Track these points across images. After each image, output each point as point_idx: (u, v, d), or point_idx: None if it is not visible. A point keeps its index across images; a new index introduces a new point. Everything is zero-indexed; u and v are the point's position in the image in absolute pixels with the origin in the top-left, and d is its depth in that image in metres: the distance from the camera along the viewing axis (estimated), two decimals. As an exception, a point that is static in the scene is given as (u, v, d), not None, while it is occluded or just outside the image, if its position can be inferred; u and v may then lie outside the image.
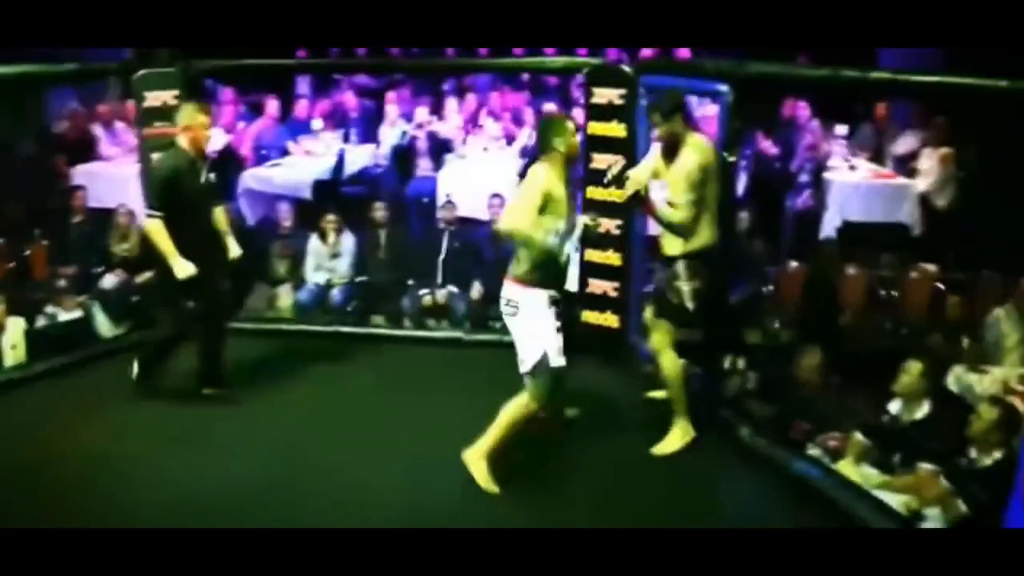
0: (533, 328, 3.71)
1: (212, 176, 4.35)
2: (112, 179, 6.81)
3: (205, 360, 4.55)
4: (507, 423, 3.77)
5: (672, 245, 4.03)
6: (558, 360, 3.70)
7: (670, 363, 4.13)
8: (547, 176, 3.66)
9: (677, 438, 4.16)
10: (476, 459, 3.85)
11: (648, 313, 4.34)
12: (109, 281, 6.07)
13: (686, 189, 3.86)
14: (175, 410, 4.53)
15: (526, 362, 3.71)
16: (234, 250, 4.52)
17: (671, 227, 3.98)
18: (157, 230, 4.09)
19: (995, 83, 2.81)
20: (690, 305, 4.00)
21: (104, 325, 5.71)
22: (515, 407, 3.75)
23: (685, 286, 3.98)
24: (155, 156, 4.42)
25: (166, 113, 5.24)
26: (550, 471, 3.97)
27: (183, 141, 4.19)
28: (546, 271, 3.70)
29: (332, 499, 3.78)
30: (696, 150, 3.91)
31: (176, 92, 5.27)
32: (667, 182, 4.02)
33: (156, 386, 4.55)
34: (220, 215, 4.52)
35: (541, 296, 3.71)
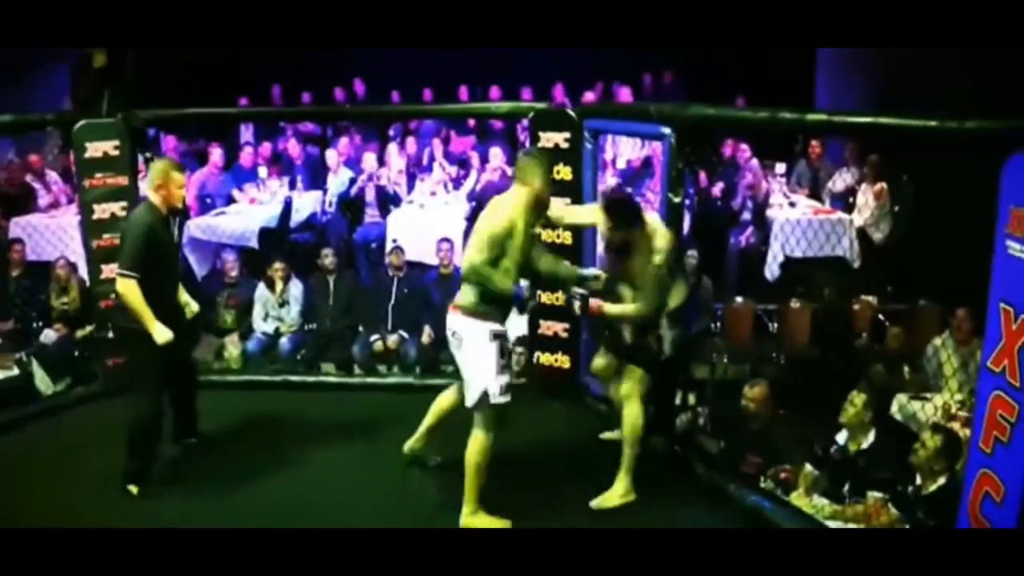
0: (475, 362, 3.68)
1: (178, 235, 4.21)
2: (51, 231, 6.67)
3: (180, 414, 4.48)
4: (473, 466, 3.72)
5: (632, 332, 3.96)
6: (500, 399, 3.67)
7: (635, 415, 3.98)
8: (515, 209, 3.65)
9: (617, 496, 4.00)
10: (471, 517, 3.77)
11: (601, 358, 4.30)
12: (48, 336, 5.92)
13: (653, 282, 3.79)
14: (120, 465, 4.40)
15: (469, 396, 3.70)
16: (192, 306, 4.35)
17: (632, 319, 3.92)
18: (133, 292, 3.87)
19: (925, 123, 2.92)
20: (668, 352, 3.95)
21: (44, 382, 5.55)
22: (472, 448, 3.71)
23: (667, 335, 3.90)
24: (130, 214, 4.20)
25: (107, 164, 5.19)
26: (506, 512, 3.92)
27: (156, 199, 4.02)
28: (493, 305, 3.69)
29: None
30: (659, 239, 3.81)
31: (117, 142, 5.21)
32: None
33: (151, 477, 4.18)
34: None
35: (483, 329, 3.67)
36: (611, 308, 3.87)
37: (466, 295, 3.72)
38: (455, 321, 3.73)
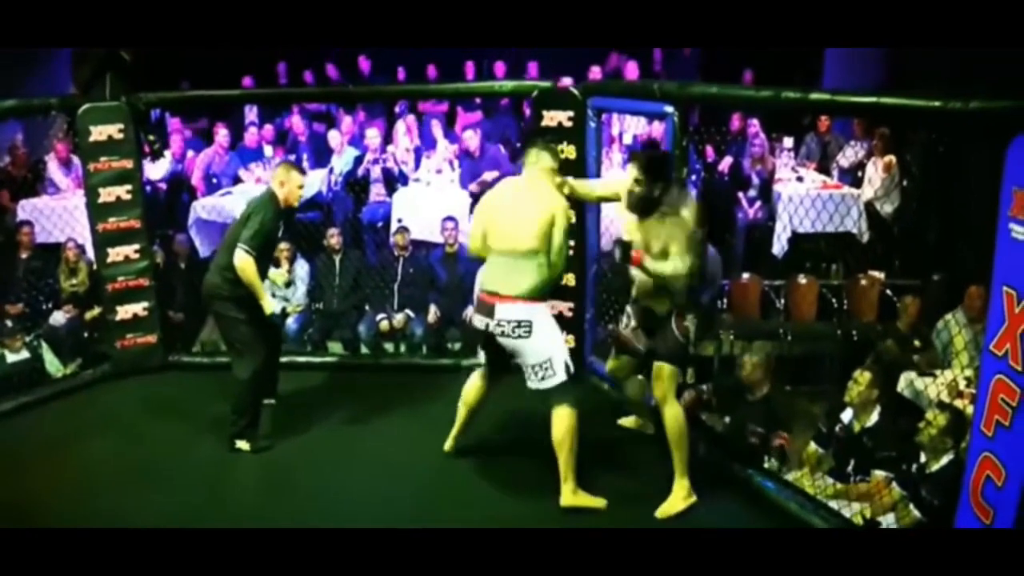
0: (551, 342, 3.74)
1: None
2: (57, 214, 6.68)
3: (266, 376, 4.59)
4: (567, 445, 3.75)
5: (663, 303, 3.82)
6: (572, 364, 3.79)
7: (675, 417, 3.82)
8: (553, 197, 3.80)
9: (679, 500, 3.83)
10: (571, 496, 3.79)
11: (613, 360, 4.24)
12: (57, 319, 5.96)
13: (689, 242, 3.67)
14: (132, 447, 4.47)
15: (555, 376, 3.72)
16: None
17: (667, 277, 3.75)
18: (250, 267, 4.20)
19: (929, 103, 2.87)
20: (691, 342, 3.85)
21: (53, 364, 5.60)
22: (563, 427, 3.73)
23: (689, 324, 3.81)
24: (254, 197, 4.55)
25: (112, 147, 5.20)
26: (510, 491, 3.96)
27: (279, 193, 4.36)
28: (551, 285, 3.82)
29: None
30: (691, 204, 3.73)
31: (121, 125, 5.22)
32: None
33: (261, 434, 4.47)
34: None
35: (544, 308, 3.77)
36: (651, 262, 3.69)
37: (524, 282, 3.72)
38: (518, 311, 3.70)
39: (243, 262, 4.19)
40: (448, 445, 4.30)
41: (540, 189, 3.81)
